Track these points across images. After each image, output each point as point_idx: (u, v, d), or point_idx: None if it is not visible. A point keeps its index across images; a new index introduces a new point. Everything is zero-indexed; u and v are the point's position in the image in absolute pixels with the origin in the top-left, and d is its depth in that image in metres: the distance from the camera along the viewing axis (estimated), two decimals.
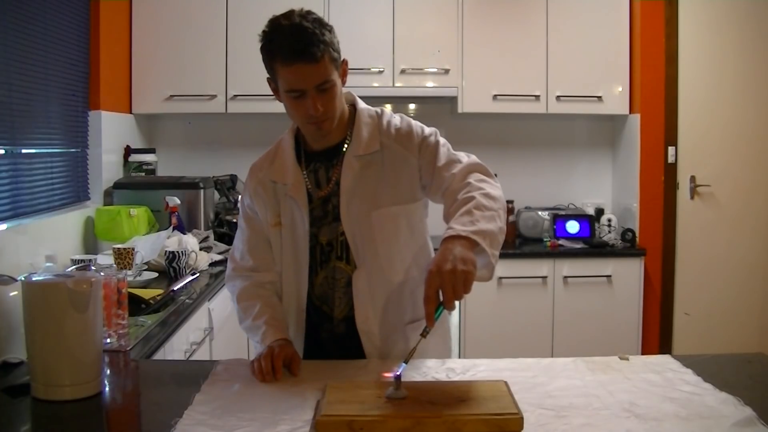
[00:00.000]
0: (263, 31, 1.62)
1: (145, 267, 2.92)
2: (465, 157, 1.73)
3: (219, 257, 3.23)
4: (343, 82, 1.69)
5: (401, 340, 1.77)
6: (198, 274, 2.89)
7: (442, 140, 1.76)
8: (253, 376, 1.56)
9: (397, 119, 1.79)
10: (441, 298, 1.39)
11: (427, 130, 1.77)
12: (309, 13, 1.61)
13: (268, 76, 1.67)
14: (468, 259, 1.41)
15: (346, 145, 1.74)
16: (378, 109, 1.80)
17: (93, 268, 2.09)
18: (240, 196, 1.90)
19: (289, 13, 1.60)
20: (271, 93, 1.70)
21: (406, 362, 1.39)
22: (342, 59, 1.67)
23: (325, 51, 1.57)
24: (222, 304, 2.94)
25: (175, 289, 2.57)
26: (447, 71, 3.89)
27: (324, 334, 1.81)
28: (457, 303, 1.41)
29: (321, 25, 1.59)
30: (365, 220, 1.72)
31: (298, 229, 1.76)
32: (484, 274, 1.47)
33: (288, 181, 1.75)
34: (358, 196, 1.72)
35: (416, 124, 1.78)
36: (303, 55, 1.55)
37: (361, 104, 1.80)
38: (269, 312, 1.75)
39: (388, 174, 1.74)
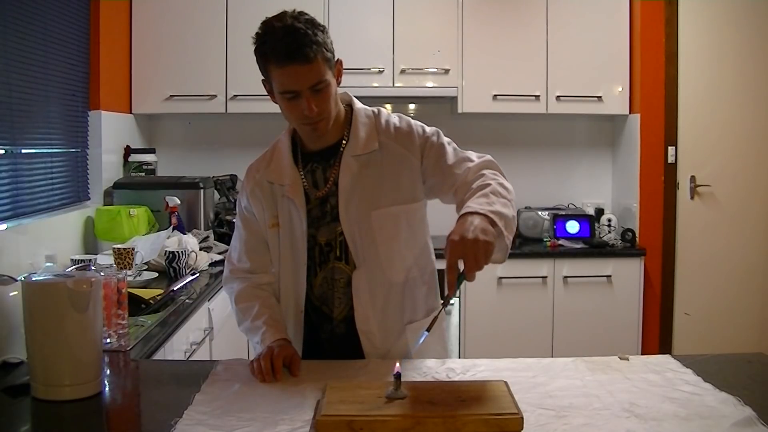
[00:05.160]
0: (256, 34, 1.63)
1: (145, 267, 2.92)
2: (475, 156, 1.73)
3: (219, 257, 3.22)
4: (338, 82, 1.68)
5: (401, 341, 1.77)
6: (198, 274, 2.89)
7: (446, 139, 1.76)
8: (253, 376, 1.56)
9: (395, 119, 1.78)
10: (461, 269, 1.39)
11: (429, 129, 1.77)
12: (301, 14, 1.61)
13: (263, 78, 1.68)
14: (488, 230, 1.42)
15: (343, 145, 1.74)
16: (375, 109, 1.80)
17: (93, 268, 2.09)
18: (237, 198, 1.90)
19: (282, 15, 1.60)
20: None
21: (428, 330, 1.45)
22: (336, 59, 1.66)
23: (318, 51, 1.57)
24: (222, 304, 2.94)
25: (175, 289, 2.57)
26: (447, 71, 3.89)
27: (323, 334, 1.81)
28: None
29: (313, 25, 1.59)
30: (365, 220, 1.72)
31: (296, 229, 1.75)
32: (498, 257, 1.48)
33: (285, 181, 1.75)
34: (357, 196, 1.72)
35: (416, 124, 1.78)
36: (296, 56, 1.56)
37: (358, 104, 1.80)
38: (268, 312, 1.75)
39: (388, 174, 1.73)
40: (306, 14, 1.61)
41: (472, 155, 1.74)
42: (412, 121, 1.78)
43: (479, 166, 1.68)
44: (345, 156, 1.73)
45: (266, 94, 1.71)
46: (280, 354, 1.59)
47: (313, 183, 1.76)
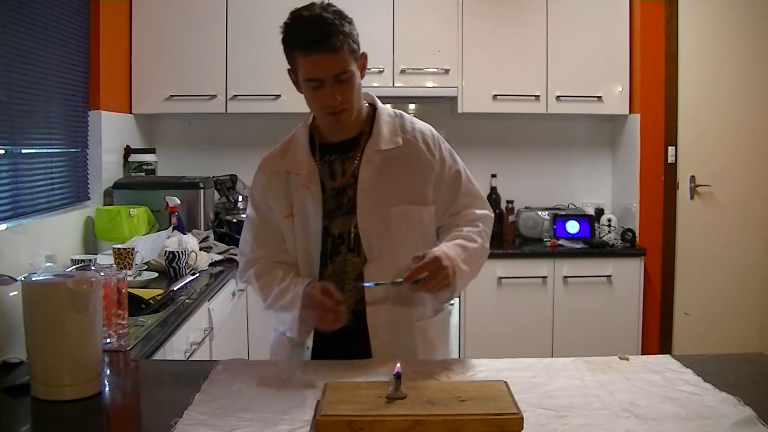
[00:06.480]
0: (284, 23, 1.65)
1: (145, 267, 2.92)
2: (480, 198, 1.88)
3: (219, 257, 3.23)
4: (362, 75, 1.72)
5: (408, 338, 1.79)
6: (198, 274, 2.89)
7: (460, 163, 1.86)
8: (321, 325, 1.65)
9: (419, 123, 1.84)
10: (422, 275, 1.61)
11: (447, 145, 1.85)
12: (330, 5, 1.65)
13: (288, 67, 1.70)
14: (457, 274, 1.65)
15: (364, 139, 1.77)
16: (398, 111, 1.85)
17: (93, 268, 2.09)
18: (250, 190, 1.90)
19: (310, 5, 1.65)
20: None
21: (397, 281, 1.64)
22: (361, 52, 1.70)
23: (344, 42, 1.61)
24: (222, 304, 2.94)
25: (175, 289, 2.57)
26: (447, 71, 3.88)
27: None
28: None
29: (341, 16, 1.63)
30: (382, 215, 1.75)
31: (310, 219, 1.77)
32: (446, 296, 1.74)
33: (302, 171, 1.77)
34: (375, 191, 1.74)
35: (437, 133, 1.85)
36: (322, 45, 1.59)
37: (381, 104, 1.84)
38: (292, 273, 1.78)
39: (410, 173, 1.77)
40: (334, 6, 1.65)
41: (477, 199, 1.86)
42: (433, 129, 1.85)
43: (479, 218, 1.83)
44: (367, 150, 1.76)
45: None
46: (317, 286, 1.64)
47: (329, 174, 1.78)
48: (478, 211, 1.84)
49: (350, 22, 1.65)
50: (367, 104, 1.82)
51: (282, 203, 1.79)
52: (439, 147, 1.81)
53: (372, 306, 1.75)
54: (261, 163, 1.85)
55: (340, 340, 1.79)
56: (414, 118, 1.85)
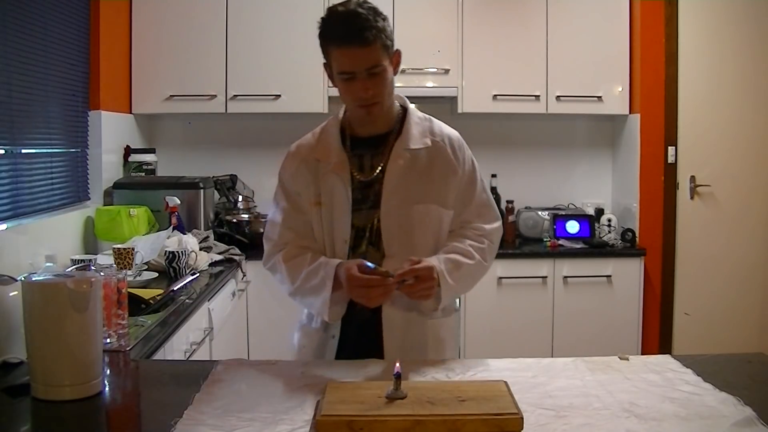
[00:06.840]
0: (321, 18, 1.70)
1: (145, 267, 2.91)
2: (493, 210, 1.89)
3: (219, 257, 3.23)
4: (395, 72, 1.77)
5: (420, 335, 1.81)
6: (198, 274, 2.89)
7: (478, 173, 1.88)
8: (368, 302, 1.65)
9: (447, 128, 1.88)
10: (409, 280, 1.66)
11: (469, 151, 1.89)
12: (365, 2, 1.69)
13: (324, 61, 1.74)
14: (442, 288, 1.72)
15: (394, 137, 1.80)
16: (426, 115, 1.90)
17: (93, 268, 2.09)
18: (278, 177, 1.91)
19: (347, 2, 1.69)
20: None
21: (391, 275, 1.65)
22: (395, 49, 1.75)
23: (377, 36, 1.65)
24: (222, 304, 2.94)
25: (175, 289, 2.56)
26: (447, 71, 3.88)
27: (346, 318, 1.81)
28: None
29: (375, 13, 1.68)
30: (405, 212, 1.77)
31: (338, 208, 1.78)
32: (430, 304, 1.77)
33: (332, 159, 1.79)
34: (401, 187, 1.77)
35: (462, 139, 1.88)
36: (355, 39, 1.63)
37: (412, 106, 1.89)
38: (321, 256, 1.78)
39: (435, 175, 1.80)
40: (369, 2, 1.69)
41: (489, 210, 1.88)
42: (460, 136, 1.88)
43: (487, 234, 1.86)
44: (396, 147, 1.79)
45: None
46: (352, 267, 1.64)
47: (359, 167, 1.81)
48: (487, 226, 1.87)
49: (384, 19, 1.70)
50: (398, 105, 1.86)
51: (310, 190, 1.81)
52: (463, 153, 1.86)
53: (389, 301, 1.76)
54: (291, 150, 1.88)
55: (356, 333, 1.81)
56: (442, 123, 1.90)
